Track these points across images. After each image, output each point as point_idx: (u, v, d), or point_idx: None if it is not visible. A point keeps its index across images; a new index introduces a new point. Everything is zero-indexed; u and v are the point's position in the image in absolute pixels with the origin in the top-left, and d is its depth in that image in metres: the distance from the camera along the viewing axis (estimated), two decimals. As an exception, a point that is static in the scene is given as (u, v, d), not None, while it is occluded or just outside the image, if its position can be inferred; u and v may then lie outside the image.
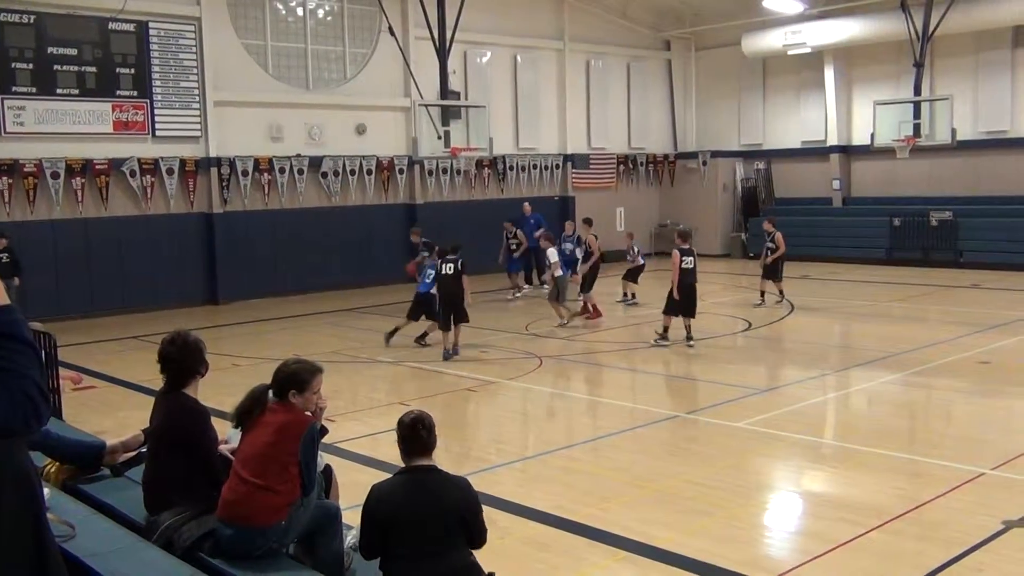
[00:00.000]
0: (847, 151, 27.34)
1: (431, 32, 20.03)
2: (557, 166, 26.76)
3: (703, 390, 11.65)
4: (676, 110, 30.17)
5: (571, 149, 27.04)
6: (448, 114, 20.77)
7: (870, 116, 23.97)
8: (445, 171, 23.98)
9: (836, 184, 27.53)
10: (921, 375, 11.97)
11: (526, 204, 22.73)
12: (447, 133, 20.32)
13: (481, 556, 4.62)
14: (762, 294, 18.06)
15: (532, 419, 11.06)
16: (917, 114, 23.23)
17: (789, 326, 16.35)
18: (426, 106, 20.15)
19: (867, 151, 25.20)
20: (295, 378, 4.93)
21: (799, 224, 27.09)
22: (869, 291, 20.41)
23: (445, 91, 21.53)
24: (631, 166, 28.76)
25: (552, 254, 15.96)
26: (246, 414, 4.90)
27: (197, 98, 19.72)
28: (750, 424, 9.71)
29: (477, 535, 4.60)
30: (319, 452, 5.27)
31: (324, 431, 5.06)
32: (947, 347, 13.60)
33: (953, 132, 22.74)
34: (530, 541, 6.70)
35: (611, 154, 28.07)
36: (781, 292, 18.13)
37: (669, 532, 6.71)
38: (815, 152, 27.70)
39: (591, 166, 27.51)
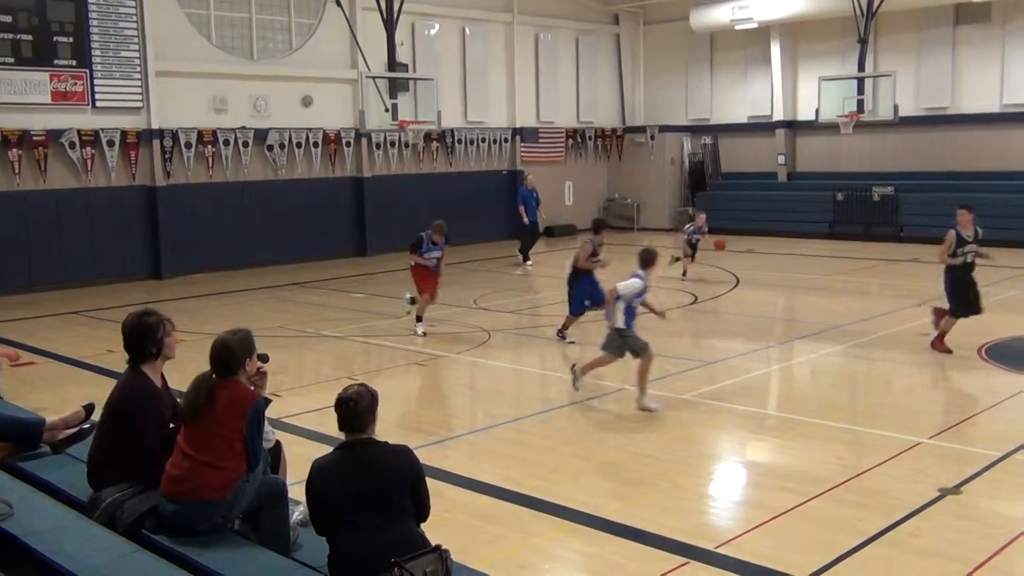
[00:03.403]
0: (792, 126, 27.64)
1: (378, 3, 19.81)
2: (506, 140, 26.68)
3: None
4: (624, 84, 30.21)
5: (520, 123, 26.97)
6: (396, 87, 20.58)
7: (815, 92, 24.25)
8: (393, 144, 23.79)
9: (781, 159, 27.84)
10: (862, 347, 12.20)
11: (529, 176, 22.65)
12: (395, 106, 20.15)
13: (428, 529, 4.64)
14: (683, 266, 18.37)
15: (481, 393, 11.08)
16: (861, 90, 23.54)
17: (734, 300, 16.55)
18: (373, 78, 19.94)
19: (812, 126, 25.50)
20: (230, 353, 4.88)
21: (745, 199, 27.43)
22: (813, 265, 20.73)
23: (393, 63, 21.33)
24: (580, 140, 28.79)
25: (624, 286, 9.49)
26: (196, 408, 4.80)
27: (138, 68, 19.27)
28: (696, 396, 9.83)
29: (421, 505, 4.60)
30: (269, 428, 5.25)
31: (268, 402, 5.03)
32: (887, 320, 13.87)
33: (896, 108, 23.09)
34: (477, 513, 6.73)
35: (560, 128, 28.07)
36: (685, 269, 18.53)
37: (615, 503, 6.79)
38: (761, 127, 27.95)
39: (540, 140, 27.48)
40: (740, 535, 6.23)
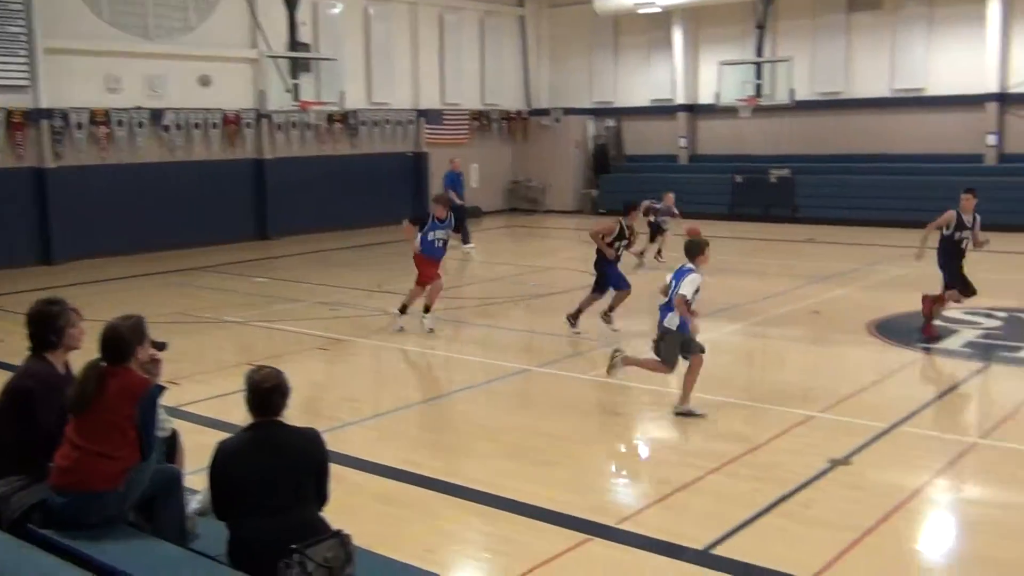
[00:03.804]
0: (693, 110, 28.11)
1: (279, -19, 19.43)
2: (410, 121, 26.48)
3: (554, 344, 11.86)
4: (529, 67, 30.27)
5: (424, 104, 26.80)
6: (298, 67, 20.25)
7: (716, 76, 24.74)
8: (295, 126, 23.36)
9: (683, 142, 28.31)
10: (759, 325, 12.54)
11: (456, 160, 22.26)
12: (296, 86, 19.83)
13: (331, 514, 4.60)
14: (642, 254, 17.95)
15: (385, 376, 11.02)
16: (759, 75, 24.12)
17: (637, 281, 16.75)
18: (274, 58, 19.58)
19: (712, 110, 26.01)
20: (121, 339, 4.75)
21: (648, 181, 27.72)
22: (712, 245, 21.02)
23: (294, 43, 20.97)
24: (485, 122, 28.76)
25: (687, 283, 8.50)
26: (85, 397, 4.65)
27: (25, 45, 18.47)
28: (598, 375, 9.95)
29: (323, 490, 4.57)
30: (166, 417, 5.13)
31: (162, 390, 4.91)
32: (783, 298, 14.27)
33: (792, 93, 23.72)
34: (380, 497, 6.71)
35: (465, 110, 27.98)
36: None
37: (518, 482, 6.85)
38: (663, 111, 28.35)
39: (444, 122, 27.35)
40: (640, 510, 6.36)
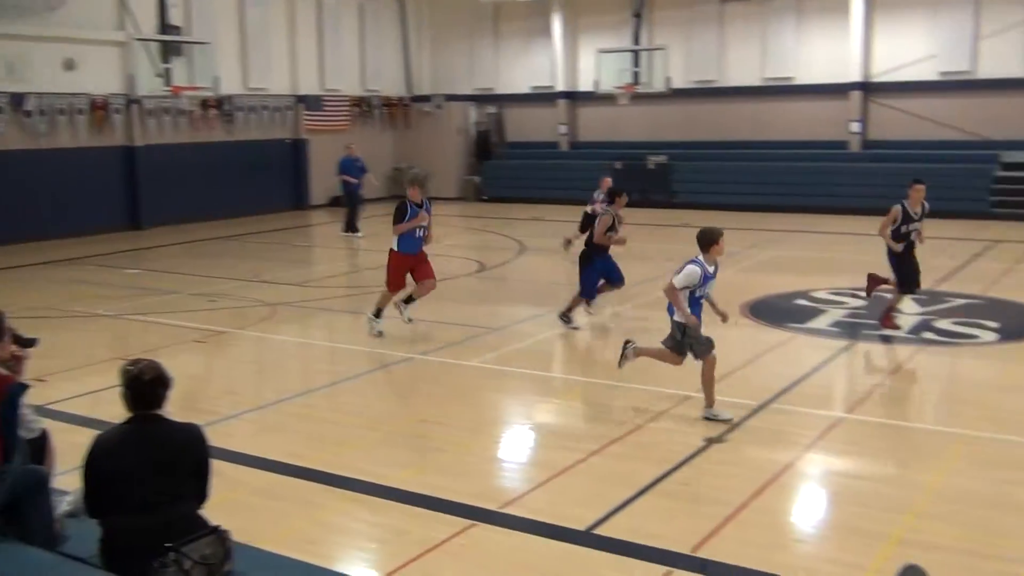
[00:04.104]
0: (573, 97, 28.42)
1: (146, -39, 18.74)
2: (288, 108, 25.98)
3: (437, 331, 11.84)
4: (410, 53, 30.07)
5: (303, 90, 26.33)
6: (169, 50, 19.64)
7: (594, 64, 25.08)
8: (167, 111, 22.60)
9: (563, 129, 28.60)
10: (640, 308, 12.79)
11: (351, 145, 21.69)
12: (168, 71, 19.23)
13: (211, 510, 4.49)
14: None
15: (266, 368, 10.81)
16: (636, 63, 24.57)
17: (520, 266, 16.94)
18: (144, 41, 18.89)
19: (592, 97, 26.37)
20: None
21: (529, 167, 28.04)
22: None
23: (165, 25, 20.30)
24: (366, 108, 28.44)
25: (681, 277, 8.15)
26: None
27: None
28: (482, 362, 10.02)
29: (203, 486, 4.46)
30: (34, 416, 4.92)
31: (25, 388, 4.70)
32: (661, 281, 14.57)
33: (668, 80, 24.26)
34: (262, 491, 6.60)
35: (344, 96, 27.61)
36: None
37: (403, 471, 6.84)
38: (543, 98, 28.58)
39: (324, 108, 26.94)
40: (524, 494, 6.44)
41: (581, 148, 28.55)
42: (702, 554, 5.45)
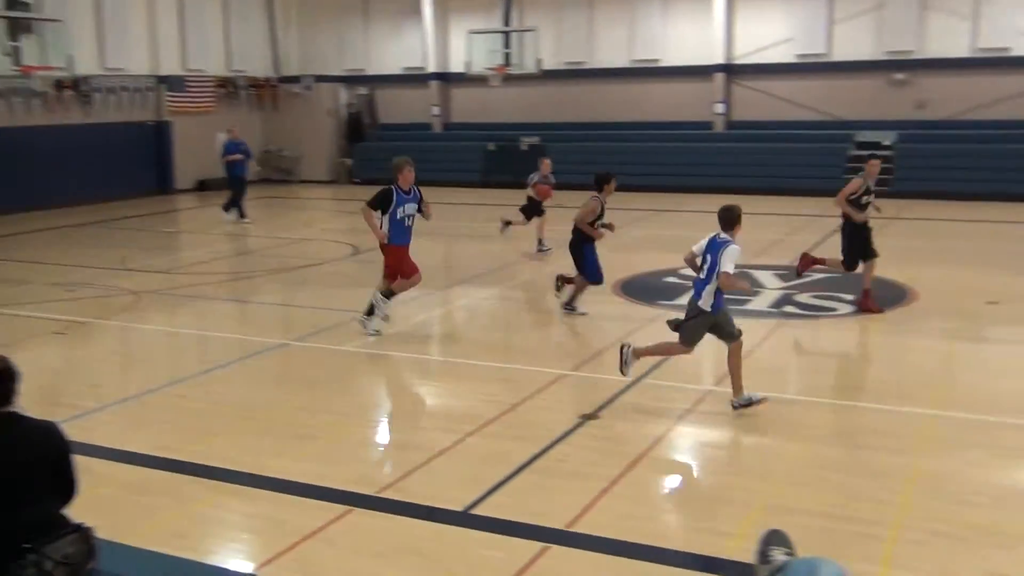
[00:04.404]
0: (445, 78, 28.31)
1: (-11, -68, 17.70)
2: (150, 88, 25.02)
3: (311, 316, 11.68)
4: (277, 32, 29.35)
5: (165, 70, 25.39)
6: (18, 27, 18.62)
7: (465, 45, 25.03)
8: (17, 92, 21.43)
9: (436, 111, 28.48)
10: (514, 289, 12.92)
11: (234, 128, 20.79)
12: (17, 49, 18.25)
13: (77, 508, 4.31)
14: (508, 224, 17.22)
15: (131, 359, 10.44)
16: (507, 44, 24.64)
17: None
18: (-12, 18, 17.86)
19: (463, 79, 26.32)
20: None
21: (402, 150, 27.66)
22: (468, 212, 21.53)
23: (12, 1, 19.22)
24: (232, 89, 27.64)
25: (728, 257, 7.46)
26: None
27: None
28: (357, 347, 9.92)
29: (68, 485, 4.27)
30: None
31: None
32: (536, 263, 14.76)
33: (539, 62, 24.42)
34: (130, 486, 6.39)
35: (209, 76, 26.76)
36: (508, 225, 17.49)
37: (276, 460, 6.71)
38: (415, 79, 28.38)
39: (188, 89, 26.05)
40: (401, 478, 6.42)
41: (454, 129, 28.50)
42: (577, 529, 5.55)
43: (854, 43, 23.81)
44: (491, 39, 25.14)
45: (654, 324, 10.95)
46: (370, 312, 10.22)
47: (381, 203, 9.86)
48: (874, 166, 11.11)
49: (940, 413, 7.63)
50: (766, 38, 24.60)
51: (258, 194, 23.80)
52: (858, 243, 11.00)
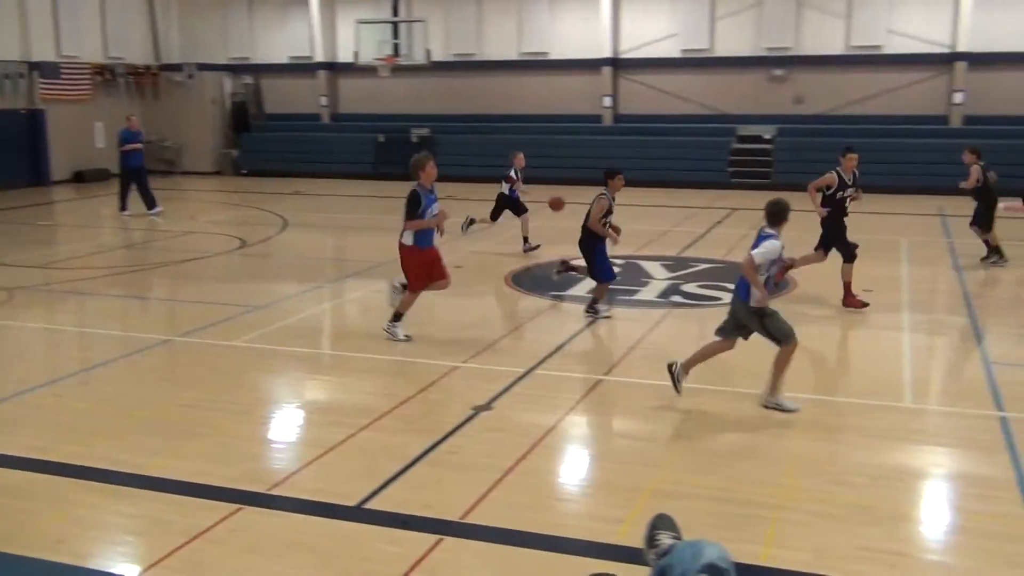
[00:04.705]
0: (333, 68, 27.93)
1: None
2: (21, 75, 23.92)
3: (197, 311, 11.38)
4: (157, 18, 28.44)
5: (37, 56, 24.30)
6: None
7: (354, 34, 24.75)
8: None
9: (324, 101, 28.09)
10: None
11: (133, 117, 19.83)
12: None
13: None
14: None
15: (7, 358, 9.96)
16: (396, 35, 24.47)
17: (283, 242, 16.54)
18: None
19: (352, 69, 26.04)
20: None
21: (290, 140, 27.37)
22: (358, 205, 21.32)
23: None
24: (109, 77, 26.67)
25: (763, 252, 7.43)
26: None
27: None
28: (246, 342, 9.72)
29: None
30: None
31: None
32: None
33: (428, 53, 24.33)
34: (5, 491, 6.11)
35: (85, 63, 25.75)
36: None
37: (162, 459, 6.53)
38: (302, 68, 27.92)
39: (62, 76, 25.02)
40: (293, 474, 6.33)
41: (343, 120, 28.17)
42: (471, 520, 5.58)
43: (735, 39, 24.49)
44: (380, 29, 24.94)
45: (546, 315, 11.10)
46: (396, 318, 9.74)
47: (412, 208, 9.35)
48: (850, 160, 11.15)
49: (819, 397, 7.95)
50: (651, 33, 25.08)
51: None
52: (831, 233, 11.11)
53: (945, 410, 7.77)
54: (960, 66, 22.92)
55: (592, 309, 10.59)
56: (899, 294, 11.60)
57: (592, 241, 10.42)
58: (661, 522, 2.62)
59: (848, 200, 11.17)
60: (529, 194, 15.12)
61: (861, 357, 9.29)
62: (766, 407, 7.45)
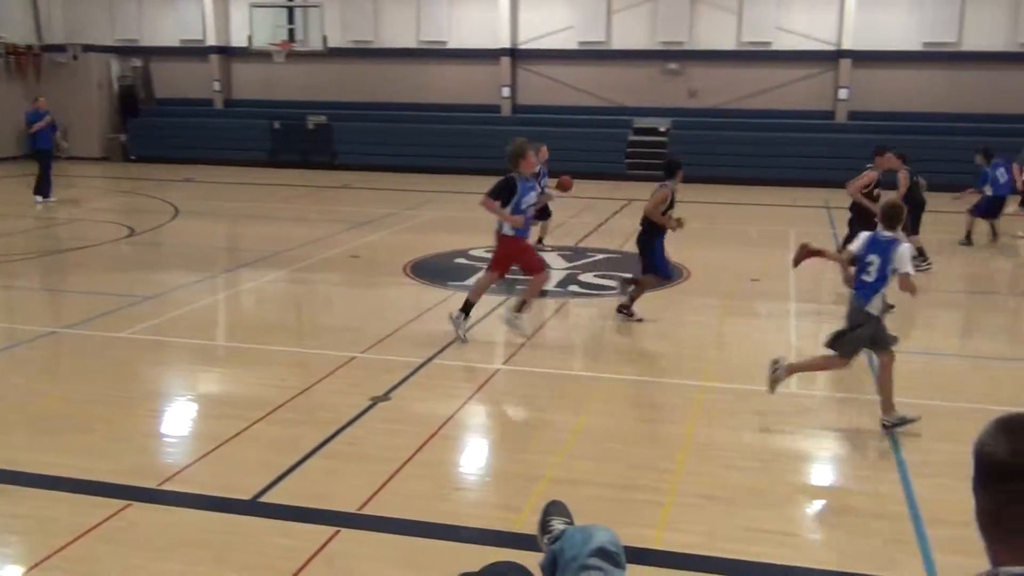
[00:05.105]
0: (226, 52, 27.28)
1: None
2: None
3: (84, 302, 11.00)
4: (38, -3, 27.31)
5: (-93, 33, 23.08)
6: None
7: (247, 18, 24.21)
8: None
9: (217, 86, 27.43)
10: (302, 271, 12.67)
11: (41, 98, 18.81)
12: None
13: None
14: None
15: None
16: (292, 19, 24.06)
17: (174, 230, 16.11)
18: None
19: (246, 53, 25.49)
20: None
21: (181, 126, 26.63)
22: (253, 193, 20.91)
23: None
24: (-13, 57, 25.50)
25: (904, 257, 6.95)
26: None
27: None
28: (135, 333, 9.45)
29: None
30: None
31: None
32: (324, 244, 14.54)
33: (324, 39, 23.98)
34: None
35: (-40, 42, 24.56)
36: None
37: (46, 455, 6.30)
38: (194, 52, 27.19)
39: (-66, 55, 23.80)
40: (184, 468, 6.18)
41: (237, 106, 27.54)
42: (368, 511, 5.56)
43: (631, 33, 24.84)
44: (275, 13, 24.47)
45: (445, 305, 11.09)
46: (468, 308, 9.27)
47: (501, 194, 8.88)
48: (886, 158, 11.00)
49: (711, 384, 8.16)
50: (549, 25, 25.23)
51: (20, 171, 22.12)
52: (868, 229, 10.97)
53: (830, 395, 8.07)
54: (845, 63, 23.76)
55: (627, 310, 10.15)
56: (786, 284, 11.98)
57: (650, 237, 9.98)
58: (554, 508, 2.66)
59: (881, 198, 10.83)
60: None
61: (750, 345, 9.57)
62: (886, 426, 6.91)
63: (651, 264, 10.05)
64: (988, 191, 14.93)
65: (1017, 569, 1.35)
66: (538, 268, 9.31)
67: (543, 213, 13.87)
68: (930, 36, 23.23)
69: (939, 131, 22.23)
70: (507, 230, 9.09)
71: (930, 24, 23.21)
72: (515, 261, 9.30)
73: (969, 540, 5.03)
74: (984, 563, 1.48)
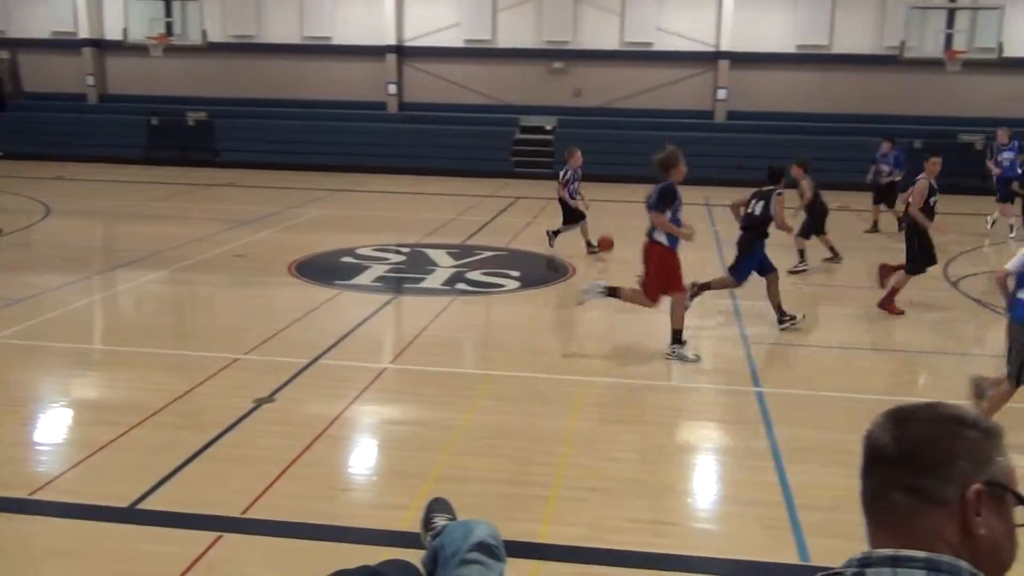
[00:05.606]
0: (100, 45, 26.32)
1: None
2: None
3: (-54, 306, 10.48)
4: None
5: None
6: None
7: (123, 11, 23.44)
8: None
9: (90, 80, 26.46)
10: (183, 271, 12.34)
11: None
12: None
13: None
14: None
15: None
16: (169, 12, 23.39)
17: (45, 230, 15.49)
18: None
19: (121, 47, 24.66)
20: None
21: (52, 121, 25.57)
22: (130, 191, 20.24)
23: None
24: None
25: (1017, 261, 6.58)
26: None
27: None
28: (5, 338, 9.06)
29: None
30: None
31: None
32: (206, 243, 14.19)
33: (204, 33, 23.39)
34: None
35: None
36: None
37: (-94, 468, 5.99)
38: (65, 45, 26.15)
39: None
40: (57, 476, 5.96)
41: (113, 101, 26.61)
42: (253, 514, 5.47)
43: (517, 31, 25.01)
44: (151, 6, 23.75)
45: (331, 304, 10.99)
46: (678, 338, 8.83)
47: (669, 204, 8.51)
48: (935, 164, 10.63)
49: (592, 379, 8.29)
50: (435, 22, 25.20)
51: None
52: (925, 247, 10.53)
53: (709, 387, 8.31)
54: (723, 64, 24.45)
55: (786, 317, 9.93)
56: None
57: (752, 242, 9.85)
58: (437, 505, 2.69)
59: (935, 206, 10.61)
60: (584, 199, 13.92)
61: (630, 340, 9.76)
62: None
63: (739, 264, 9.99)
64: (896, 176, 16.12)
65: (888, 551, 1.43)
66: (681, 287, 8.91)
67: (578, 215, 13.72)
68: (803, 39, 24.12)
69: (813, 131, 23.11)
70: (660, 238, 8.67)
71: (803, 27, 24.10)
72: (672, 272, 8.77)
73: (839, 523, 5.28)
74: (853, 545, 1.56)
